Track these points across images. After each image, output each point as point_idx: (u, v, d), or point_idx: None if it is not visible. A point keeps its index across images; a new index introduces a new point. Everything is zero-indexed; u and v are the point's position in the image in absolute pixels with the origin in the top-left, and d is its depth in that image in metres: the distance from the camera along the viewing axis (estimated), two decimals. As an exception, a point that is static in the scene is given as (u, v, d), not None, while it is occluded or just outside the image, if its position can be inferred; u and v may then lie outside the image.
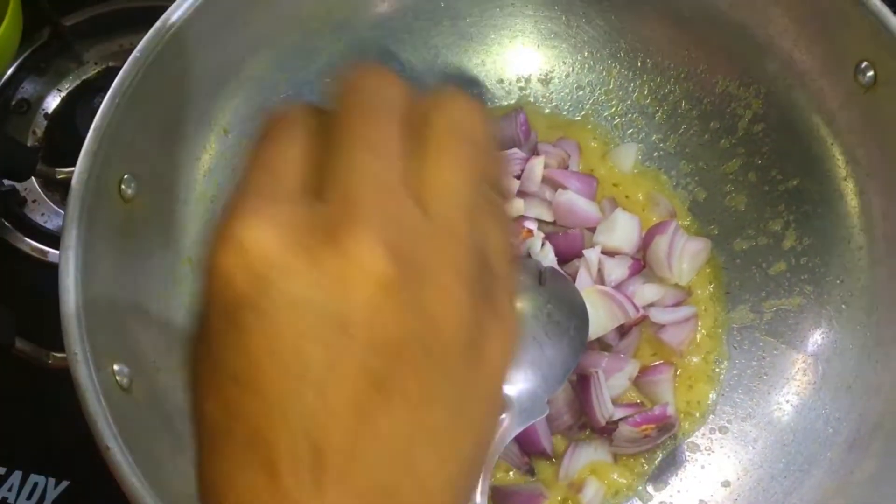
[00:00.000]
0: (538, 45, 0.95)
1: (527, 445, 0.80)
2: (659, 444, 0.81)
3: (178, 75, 0.78)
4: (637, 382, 0.84)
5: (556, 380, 0.74)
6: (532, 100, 0.96)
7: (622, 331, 0.84)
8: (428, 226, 0.32)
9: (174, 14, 0.76)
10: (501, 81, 0.96)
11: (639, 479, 0.81)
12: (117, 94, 0.73)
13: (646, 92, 0.94)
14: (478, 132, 0.36)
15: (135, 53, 0.74)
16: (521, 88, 0.96)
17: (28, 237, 0.97)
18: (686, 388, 0.84)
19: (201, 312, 0.36)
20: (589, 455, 0.80)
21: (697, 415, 0.83)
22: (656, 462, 0.82)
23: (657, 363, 0.85)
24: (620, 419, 0.80)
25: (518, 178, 0.88)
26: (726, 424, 0.83)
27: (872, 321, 0.80)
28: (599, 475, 0.80)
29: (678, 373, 0.85)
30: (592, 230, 0.88)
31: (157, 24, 0.75)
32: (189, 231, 0.83)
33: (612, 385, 0.82)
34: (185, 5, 0.76)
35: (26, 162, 0.72)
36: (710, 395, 0.84)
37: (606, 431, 0.81)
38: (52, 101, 1.06)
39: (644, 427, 0.79)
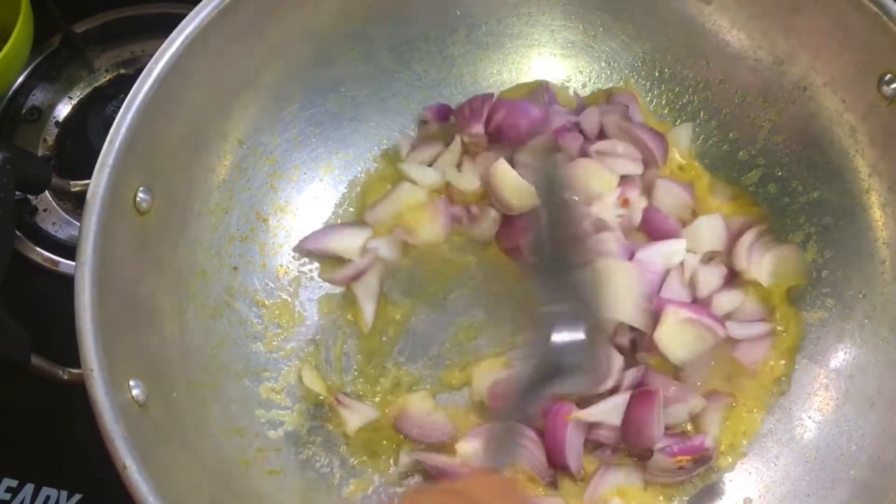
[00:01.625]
0: (555, 55, 0.95)
1: (553, 457, 0.79)
2: (694, 477, 0.79)
3: (192, 86, 0.77)
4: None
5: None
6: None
7: None
8: None
9: (189, 25, 0.75)
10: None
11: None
12: (132, 106, 0.72)
13: (663, 102, 0.93)
14: None
15: (149, 65, 0.74)
16: (536, 97, 0.96)
17: (39, 247, 0.96)
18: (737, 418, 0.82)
19: None
20: (619, 480, 0.79)
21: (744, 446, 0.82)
22: (690, 496, 0.80)
23: (715, 391, 0.81)
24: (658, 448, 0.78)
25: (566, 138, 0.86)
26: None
27: (896, 336, 0.79)
28: (626, 498, 0.79)
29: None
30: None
31: (172, 35, 0.75)
32: (203, 243, 0.82)
33: (671, 414, 0.79)
34: (201, 16, 0.76)
35: (42, 176, 0.71)
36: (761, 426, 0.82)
37: (642, 457, 0.79)
38: (64, 109, 1.05)
39: (679, 458, 0.77)
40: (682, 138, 0.91)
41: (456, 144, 0.89)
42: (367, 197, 0.91)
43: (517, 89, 0.94)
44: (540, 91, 0.91)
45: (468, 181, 0.88)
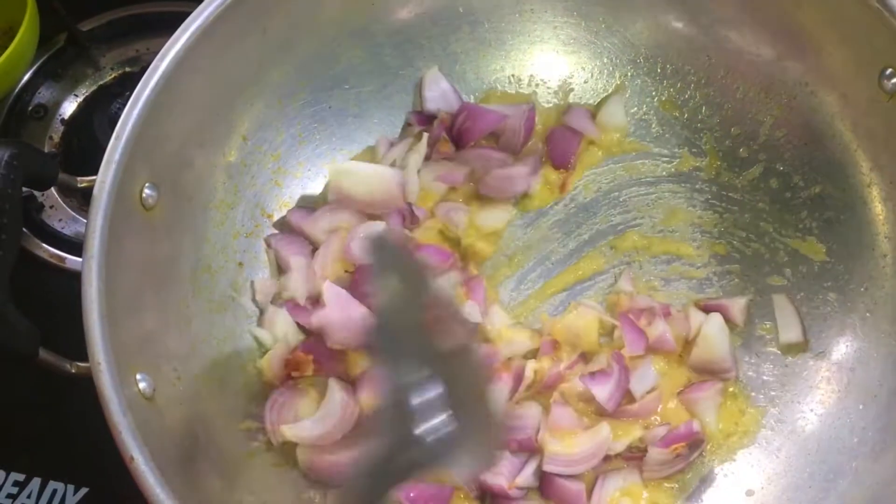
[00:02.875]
0: (557, 51, 0.95)
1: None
2: (690, 463, 0.80)
3: (197, 83, 0.78)
4: (682, 399, 0.83)
5: None
6: (550, 106, 0.95)
7: None
8: None
9: (194, 23, 0.76)
10: (519, 86, 0.96)
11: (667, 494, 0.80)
12: (137, 102, 0.73)
13: (665, 98, 0.93)
14: None
15: (154, 62, 0.74)
16: (537, 93, 0.96)
17: (46, 243, 0.97)
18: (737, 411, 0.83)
19: None
20: (618, 483, 0.79)
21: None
22: (693, 487, 0.81)
23: (704, 380, 0.83)
24: (650, 444, 0.79)
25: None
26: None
27: (898, 329, 0.79)
28: (633, 497, 0.79)
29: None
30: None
31: (177, 32, 0.75)
32: (209, 238, 0.83)
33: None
34: (205, 13, 0.76)
35: (48, 171, 0.72)
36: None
37: (635, 458, 0.80)
38: (69, 107, 1.06)
39: (674, 447, 0.78)
40: (614, 113, 0.92)
41: (422, 146, 0.90)
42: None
43: (505, 97, 0.95)
44: (521, 109, 0.92)
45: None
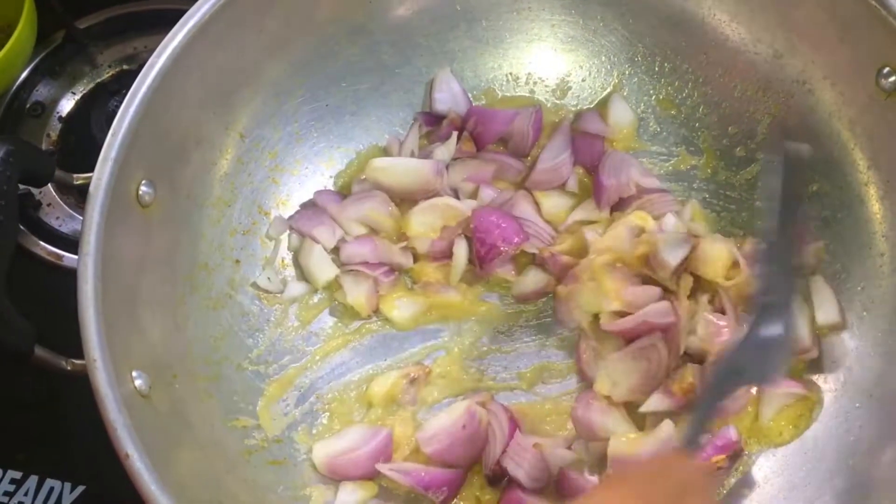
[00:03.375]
0: (555, 50, 0.95)
1: None
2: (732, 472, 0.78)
3: (194, 81, 0.78)
4: None
5: None
6: (548, 105, 0.95)
7: None
8: None
9: (191, 20, 0.76)
10: (517, 84, 0.96)
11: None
12: (134, 99, 0.73)
13: (662, 96, 0.93)
14: None
15: (151, 59, 0.74)
16: (535, 92, 0.96)
17: (43, 241, 0.97)
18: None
19: None
20: None
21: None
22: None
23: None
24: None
25: None
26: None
27: (895, 328, 0.79)
28: None
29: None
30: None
31: (174, 29, 0.75)
32: (205, 236, 0.83)
33: None
34: (202, 11, 0.76)
35: (45, 168, 0.72)
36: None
37: None
38: (67, 104, 1.06)
39: (716, 459, 0.76)
40: (621, 110, 0.92)
41: (451, 144, 0.90)
42: (358, 169, 0.92)
43: (507, 101, 0.95)
44: (528, 111, 0.92)
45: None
